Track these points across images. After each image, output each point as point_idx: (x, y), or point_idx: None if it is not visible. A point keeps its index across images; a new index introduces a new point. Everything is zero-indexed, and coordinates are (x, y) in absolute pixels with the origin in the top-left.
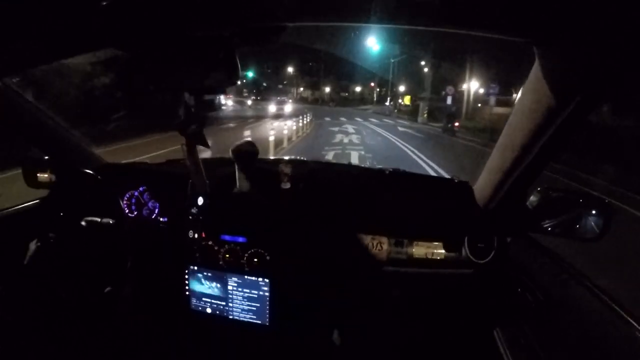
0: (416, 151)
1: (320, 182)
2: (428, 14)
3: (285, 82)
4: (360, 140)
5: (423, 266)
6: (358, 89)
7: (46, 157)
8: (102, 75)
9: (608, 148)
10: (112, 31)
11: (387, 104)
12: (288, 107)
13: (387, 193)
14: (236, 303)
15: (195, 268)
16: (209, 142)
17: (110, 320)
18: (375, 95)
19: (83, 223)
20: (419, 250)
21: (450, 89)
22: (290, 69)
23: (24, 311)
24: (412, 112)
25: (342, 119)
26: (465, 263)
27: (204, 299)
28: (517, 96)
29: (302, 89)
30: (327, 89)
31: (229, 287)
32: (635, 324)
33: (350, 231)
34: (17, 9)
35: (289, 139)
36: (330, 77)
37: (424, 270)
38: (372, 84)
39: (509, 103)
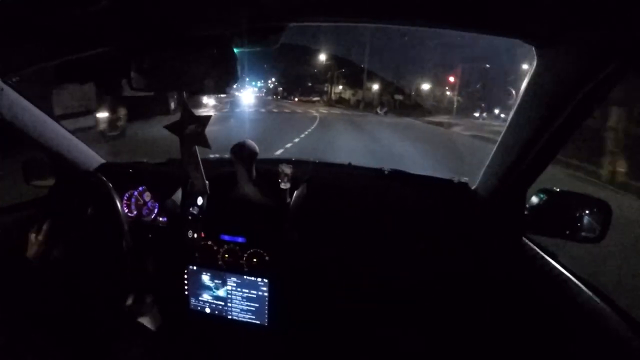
0: None
1: (320, 182)
2: (429, 13)
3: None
4: None
5: (423, 267)
6: (425, 86)
7: (46, 157)
8: None
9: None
10: (112, 31)
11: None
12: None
13: (387, 193)
14: (235, 303)
15: (195, 268)
16: None
17: (110, 321)
18: (455, 98)
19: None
20: (418, 250)
21: None
22: (322, 57)
23: (20, 312)
24: None
25: None
26: (465, 264)
27: (203, 299)
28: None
29: (340, 87)
30: (376, 87)
31: (228, 287)
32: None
33: (349, 231)
34: (17, 9)
35: None
36: (381, 70)
37: (423, 270)
38: (452, 79)
39: None
